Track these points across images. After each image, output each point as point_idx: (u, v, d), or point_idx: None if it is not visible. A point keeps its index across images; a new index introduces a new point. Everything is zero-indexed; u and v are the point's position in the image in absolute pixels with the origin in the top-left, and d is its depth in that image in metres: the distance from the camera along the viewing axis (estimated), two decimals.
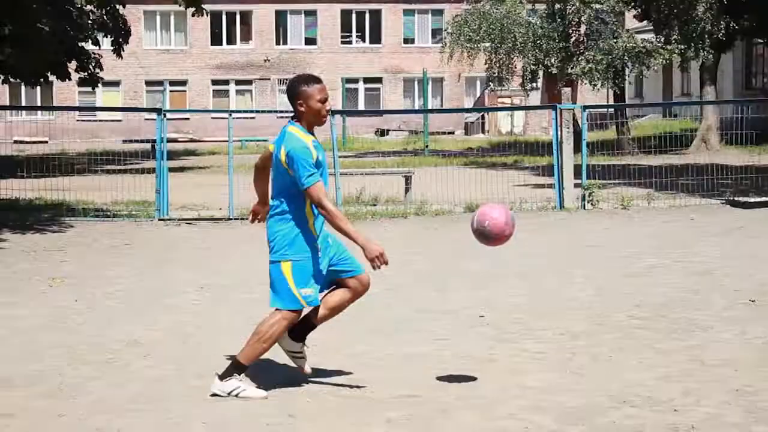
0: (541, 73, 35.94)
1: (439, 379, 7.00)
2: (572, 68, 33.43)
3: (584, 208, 17.36)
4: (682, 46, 31.51)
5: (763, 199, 17.98)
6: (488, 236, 6.84)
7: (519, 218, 16.10)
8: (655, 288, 10.31)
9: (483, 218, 6.83)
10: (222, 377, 6.73)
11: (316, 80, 6.73)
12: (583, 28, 34.54)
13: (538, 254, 12.66)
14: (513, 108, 51.50)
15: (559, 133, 17.71)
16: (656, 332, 8.27)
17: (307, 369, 6.97)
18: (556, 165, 17.69)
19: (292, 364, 7.01)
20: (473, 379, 7.04)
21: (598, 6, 33.33)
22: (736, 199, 18.06)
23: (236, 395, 6.66)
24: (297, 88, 6.69)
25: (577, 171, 17.63)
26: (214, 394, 6.70)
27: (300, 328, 6.88)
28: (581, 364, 7.35)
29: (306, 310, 6.80)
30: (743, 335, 8.21)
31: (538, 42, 34.05)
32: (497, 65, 35.39)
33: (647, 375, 7.02)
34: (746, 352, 7.65)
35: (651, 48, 32.93)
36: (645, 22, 37.81)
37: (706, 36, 30.94)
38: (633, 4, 34.68)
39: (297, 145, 6.54)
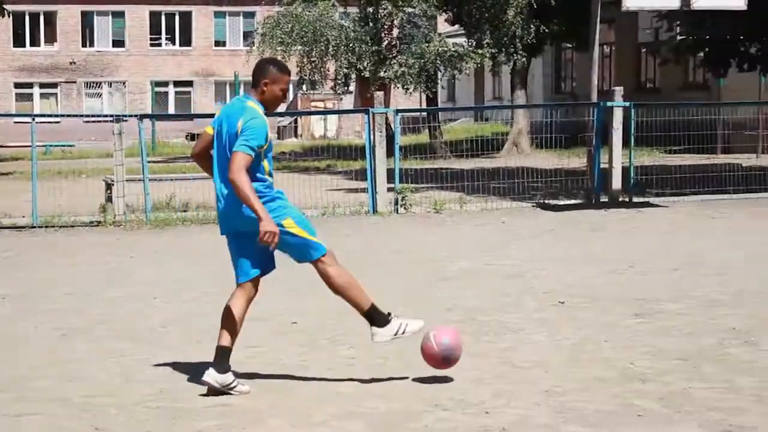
0: (354, 76, 36.16)
1: (252, 386, 6.97)
2: (385, 72, 33.76)
3: (397, 213, 17.56)
4: (494, 50, 32.20)
5: (573, 201, 18.58)
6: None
7: (332, 223, 16.29)
8: (467, 291, 10.51)
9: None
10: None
11: (287, 71, 6.93)
12: (395, 32, 34.92)
13: (350, 259, 12.72)
14: (326, 112, 51.74)
15: (371, 137, 17.86)
16: (468, 335, 8.41)
17: (246, 388, 6.90)
18: (369, 169, 17.84)
19: (100, 373, 6.87)
20: (286, 386, 7.03)
21: (410, 10, 33.75)
22: (546, 201, 18.58)
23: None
24: (268, 67, 6.87)
25: (391, 175, 17.82)
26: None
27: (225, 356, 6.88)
28: (394, 369, 7.42)
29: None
30: (553, 337, 8.44)
31: (351, 45, 34.25)
32: (310, 68, 35.45)
33: (459, 378, 7.14)
34: (556, 354, 7.86)
35: (463, 52, 33.49)
36: (457, 26, 38.48)
37: (517, 40, 31.69)
38: (445, 8, 35.22)
39: (259, 121, 6.65)
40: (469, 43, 33.99)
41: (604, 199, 18.44)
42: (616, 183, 18.49)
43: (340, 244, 13.80)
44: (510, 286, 10.74)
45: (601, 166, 18.64)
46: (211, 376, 6.80)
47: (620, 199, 18.43)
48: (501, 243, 14.13)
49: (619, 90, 19.05)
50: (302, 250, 6.89)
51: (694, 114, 21.60)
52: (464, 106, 48.49)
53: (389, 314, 7.06)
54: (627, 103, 18.86)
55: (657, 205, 18.07)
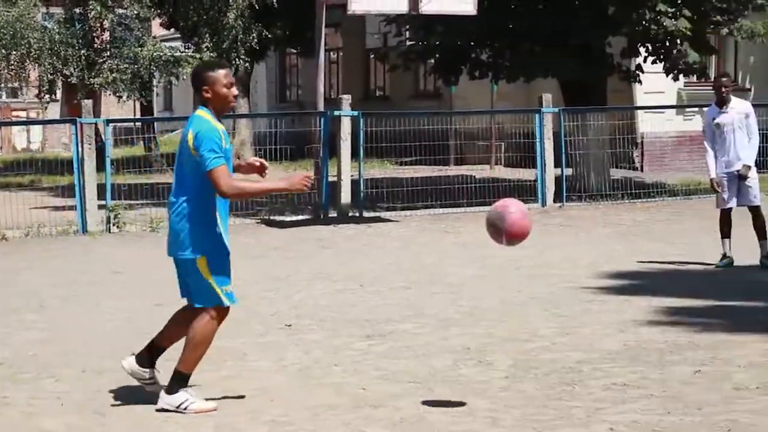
0: (60, 83, 35.25)
1: None
2: (94, 78, 33.09)
3: (110, 232, 17.22)
4: (213, 55, 32.07)
5: (299, 217, 18.71)
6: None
7: (37, 244, 15.83)
8: None
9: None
10: (168, 391, 6.92)
11: (221, 65, 7.04)
12: (106, 35, 34.28)
13: (59, 284, 12.42)
14: (28, 122, 50.21)
15: (80, 149, 17.47)
16: None
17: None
18: (78, 185, 17.43)
19: None
20: None
21: (121, 11, 33.22)
22: (271, 218, 18.64)
23: (185, 408, 6.89)
24: (201, 74, 6.95)
25: (102, 191, 17.45)
26: (162, 409, 6.88)
27: (149, 353, 7.20)
28: (103, 404, 7.26)
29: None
30: (280, 362, 8.46)
31: (56, 49, 33.39)
32: (10, 74, 34.33)
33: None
34: (282, 380, 7.88)
35: (179, 57, 33.20)
36: (173, 29, 38.13)
37: (239, 45, 31.67)
38: (159, 10, 34.82)
39: (206, 127, 6.74)
40: (186, 47, 33.72)
41: (332, 214, 18.66)
42: (345, 197, 18.75)
43: (46, 267, 13.47)
44: (233, 309, 10.66)
45: (329, 179, 18.83)
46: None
47: (350, 214, 18.70)
48: None
49: (346, 98, 19.31)
50: (198, 292, 7.03)
51: (425, 123, 22.15)
52: (182, 116, 47.95)
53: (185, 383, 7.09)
54: (355, 112, 19.16)
55: (388, 220, 18.43)
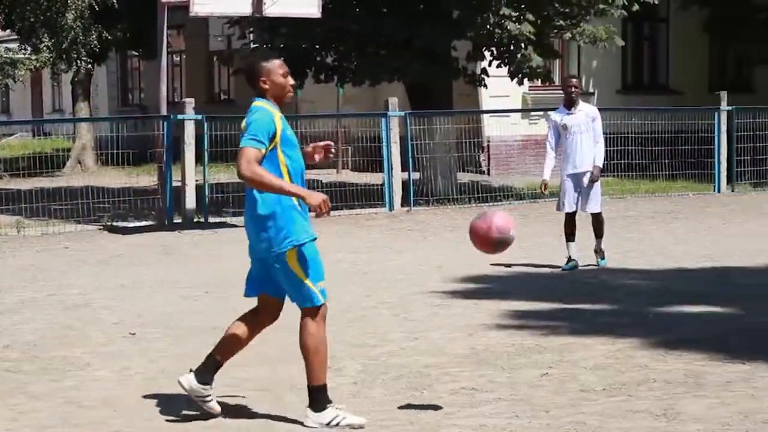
0: None
1: None
2: None
3: None
4: (52, 56, 31.48)
5: (143, 223, 18.49)
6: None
7: None
8: (27, 325, 10.21)
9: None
10: (315, 410, 6.75)
11: (275, 56, 7.12)
12: None
13: None
14: None
15: None
16: (28, 374, 8.19)
17: (217, 408, 6.98)
18: None
19: None
20: None
21: None
22: (114, 224, 18.38)
23: (336, 425, 6.73)
24: (257, 65, 6.98)
25: None
26: (307, 426, 6.76)
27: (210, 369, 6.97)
28: None
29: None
30: (123, 371, 8.35)
31: None
32: None
33: (21, 424, 6.91)
34: (126, 390, 7.78)
35: (16, 58, 32.55)
36: (9, 30, 37.35)
37: (80, 46, 31.14)
38: None
39: (259, 114, 6.75)
40: (23, 48, 33.07)
41: (177, 220, 18.48)
42: (190, 202, 18.58)
43: None
44: (75, 318, 10.53)
45: (174, 184, 18.65)
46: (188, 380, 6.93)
47: (195, 220, 18.55)
48: (65, 270, 13.84)
49: (190, 102, 19.16)
50: (297, 291, 6.81)
51: None
52: (21, 120, 47.08)
53: (329, 401, 6.88)
54: (199, 116, 19.02)
55: (234, 226, 18.29)
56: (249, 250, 7.07)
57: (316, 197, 6.70)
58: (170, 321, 10.36)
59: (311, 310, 6.80)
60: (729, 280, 12.42)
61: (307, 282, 6.78)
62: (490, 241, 7.34)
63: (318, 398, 6.83)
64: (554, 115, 13.76)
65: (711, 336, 9.27)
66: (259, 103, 6.91)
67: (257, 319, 7.12)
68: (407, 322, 10.21)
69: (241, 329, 7.07)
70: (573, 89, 13.53)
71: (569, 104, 13.55)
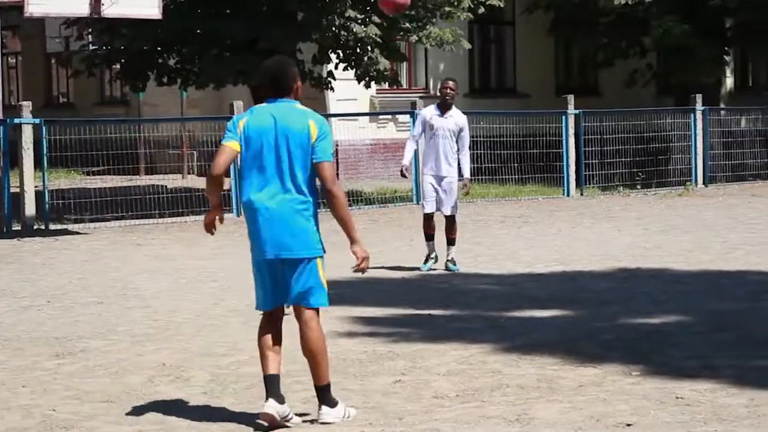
0: None
1: None
2: None
3: None
4: None
5: None
6: None
7: None
8: None
9: None
10: (331, 405, 6.98)
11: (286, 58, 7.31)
12: None
13: None
14: None
15: None
16: None
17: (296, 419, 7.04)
18: None
19: None
20: None
21: None
22: None
23: (347, 417, 7.03)
24: (292, 68, 7.09)
25: None
26: (327, 422, 6.97)
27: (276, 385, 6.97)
28: None
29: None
30: None
31: None
32: None
33: None
34: None
35: None
36: None
37: None
38: None
39: (324, 121, 6.93)
40: None
41: (16, 227, 18.13)
42: (30, 209, 18.25)
43: None
44: None
45: (12, 190, 18.29)
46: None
47: (35, 227, 18.22)
48: None
49: (27, 105, 18.85)
50: (320, 292, 7.04)
51: (113, 131, 21.80)
52: None
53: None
54: (37, 120, 18.69)
55: (76, 233, 18.06)
56: (261, 253, 7.02)
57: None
58: (10, 332, 10.16)
59: (319, 312, 7.11)
60: (579, 285, 12.66)
61: (325, 285, 7.08)
62: None
63: (330, 395, 7.08)
64: (425, 111, 14.00)
65: (562, 340, 9.43)
66: (301, 106, 7.05)
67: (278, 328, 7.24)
68: (256, 330, 10.14)
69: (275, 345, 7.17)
70: (449, 92, 13.67)
71: (443, 107, 13.70)
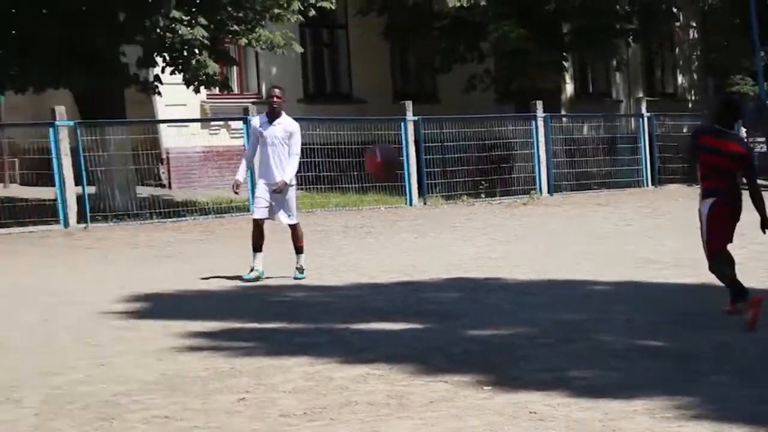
0: None
1: None
2: None
3: None
4: None
5: None
6: None
7: None
8: None
9: None
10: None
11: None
12: None
13: None
14: None
15: None
16: None
17: None
18: None
19: None
20: None
21: None
22: None
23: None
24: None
25: None
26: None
27: None
28: None
29: None
30: None
31: None
32: None
33: None
34: None
35: None
36: None
37: None
38: None
39: None
40: None
41: None
42: None
43: None
44: None
45: None
46: None
47: None
48: None
49: None
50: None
51: None
52: None
53: None
54: None
55: None
56: None
57: None
58: None
59: None
60: (425, 296, 12.76)
61: None
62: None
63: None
64: (255, 121, 14.32)
65: (411, 354, 9.47)
66: None
67: None
68: (91, 347, 10.03)
69: None
70: (275, 100, 13.87)
71: (271, 115, 13.88)
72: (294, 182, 14.05)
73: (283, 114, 14.01)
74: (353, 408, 7.77)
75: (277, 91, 14.12)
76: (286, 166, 13.81)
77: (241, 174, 14.18)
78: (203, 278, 14.00)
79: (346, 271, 14.82)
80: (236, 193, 14.62)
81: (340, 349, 9.79)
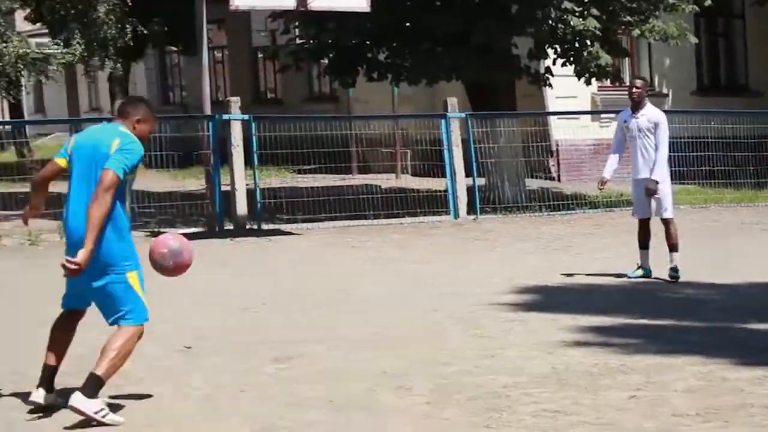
0: None
1: None
2: None
3: None
4: (83, 52, 31.45)
5: (192, 230, 18.33)
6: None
7: None
8: (75, 336, 10.23)
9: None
10: (88, 394, 7.13)
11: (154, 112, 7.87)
12: None
13: None
14: None
15: None
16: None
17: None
18: None
19: None
20: None
21: None
22: (160, 230, 18.36)
23: (102, 417, 7.13)
24: (141, 105, 7.85)
25: None
26: (76, 410, 7.08)
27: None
28: None
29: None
30: (180, 388, 8.37)
31: None
32: None
33: None
34: (183, 408, 7.81)
35: (49, 53, 32.61)
36: (39, 24, 37.50)
37: (110, 42, 31.08)
38: (23, 3, 34.14)
39: (137, 146, 7.46)
40: (56, 43, 33.17)
41: (228, 226, 18.47)
42: (241, 208, 18.53)
43: None
44: None
45: (223, 188, 18.66)
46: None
47: (247, 227, 18.52)
48: None
49: (235, 101, 19.07)
50: (132, 310, 7.65)
51: (323, 128, 22.01)
52: (57, 119, 47.06)
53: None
54: (246, 116, 18.97)
55: (289, 233, 18.31)
56: None
57: (87, 260, 7.52)
58: (228, 334, 10.38)
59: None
60: None
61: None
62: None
63: (96, 389, 7.28)
64: (621, 115, 14.07)
65: None
66: (126, 130, 7.69)
67: None
68: (479, 339, 10.17)
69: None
70: (634, 91, 13.63)
71: (633, 107, 13.67)
72: (665, 177, 13.71)
73: (648, 104, 13.74)
74: (749, 411, 7.57)
75: (638, 81, 13.94)
76: (646, 160, 13.52)
77: (608, 171, 13.95)
78: (589, 274, 13.95)
79: (739, 268, 14.41)
80: (600, 189, 14.52)
81: (734, 348, 9.55)
